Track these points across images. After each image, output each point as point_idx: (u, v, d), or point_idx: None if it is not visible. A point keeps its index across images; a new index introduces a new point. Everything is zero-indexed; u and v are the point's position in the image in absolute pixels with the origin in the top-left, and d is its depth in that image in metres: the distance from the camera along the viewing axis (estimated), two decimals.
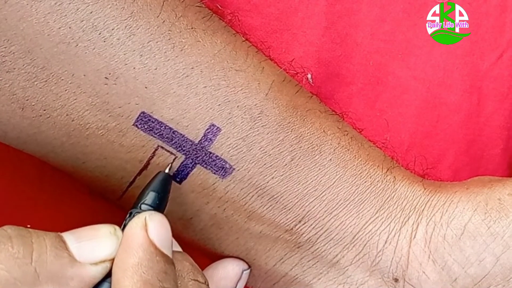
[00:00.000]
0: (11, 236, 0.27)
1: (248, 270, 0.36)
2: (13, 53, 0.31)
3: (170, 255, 0.30)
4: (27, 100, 0.32)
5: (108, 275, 0.29)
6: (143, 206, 0.31)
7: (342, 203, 0.35)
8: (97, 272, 0.29)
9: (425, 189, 0.36)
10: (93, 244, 0.29)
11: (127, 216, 0.31)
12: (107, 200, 0.36)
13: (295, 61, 0.38)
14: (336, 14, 0.40)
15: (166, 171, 0.33)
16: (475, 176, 0.41)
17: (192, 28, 0.33)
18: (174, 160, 0.33)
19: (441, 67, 0.41)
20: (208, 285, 0.31)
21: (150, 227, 0.29)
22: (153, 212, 0.30)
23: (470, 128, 0.42)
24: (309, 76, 0.40)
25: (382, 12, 0.40)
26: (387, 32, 0.41)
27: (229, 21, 0.36)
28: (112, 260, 0.29)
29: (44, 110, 0.32)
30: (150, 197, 0.31)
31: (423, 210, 0.36)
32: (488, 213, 0.34)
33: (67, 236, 0.29)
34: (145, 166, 0.33)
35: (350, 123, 0.38)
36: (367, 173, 0.35)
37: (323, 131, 0.35)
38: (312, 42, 0.40)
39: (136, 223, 0.29)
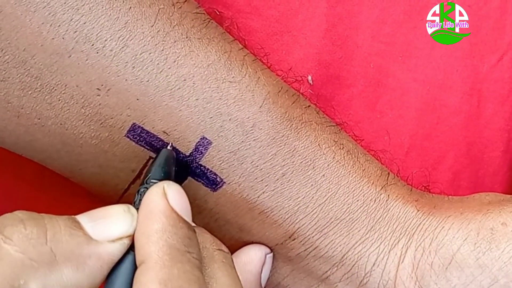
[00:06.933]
0: (23, 219, 0.27)
1: (271, 254, 0.35)
2: (7, 62, 0.31)
3: (191, 223, 0.29)
4: (22, 108, 0.32)
5: (129, 252, 0.28)
6: (152, 182, 0.30)
7: (333, 222, 0.34)
8: (115, 249, 0.28)
9: (418, 210, 0.35)
10: (107, 222, 0.28)
11: (137, 195, 0.30)
12: (105, 202, 0.36)
13: (295, 67, 0.38)
14: (337, 16, 0.40)
15: (169, 147, 0.32)
16: (475, 179, 0.41)
17: (187, 38, 0.32)
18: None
19: (442, 69, 0.41)
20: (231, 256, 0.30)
21: (170, 195, 0.28)
22: (170, 182, 0.29)
23: (470, 130, 0.42)
24: (309, 77, 0.39)
25: (383, 14, 0.40)
26: (387, 34, 0.40)
27: (229, 25, 0.36)
28: (130, 236, 0.28)
29: (39, 119, 0.32)
30: (157, 171, 0.30)
31: (413, 233, 0.35)
32: (478, 243, 0.33)
33: (81, 217, 0.28)
34: (138, 176, 0.33)
35: (349, 128, 0.38)
36: (361, 190, 0.35)
37: (318, 145, 0.34)
38: (312, 44, 0.39)
39: (156, 191, 0.28)
